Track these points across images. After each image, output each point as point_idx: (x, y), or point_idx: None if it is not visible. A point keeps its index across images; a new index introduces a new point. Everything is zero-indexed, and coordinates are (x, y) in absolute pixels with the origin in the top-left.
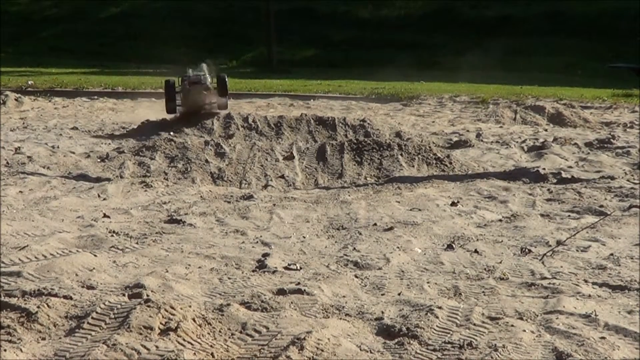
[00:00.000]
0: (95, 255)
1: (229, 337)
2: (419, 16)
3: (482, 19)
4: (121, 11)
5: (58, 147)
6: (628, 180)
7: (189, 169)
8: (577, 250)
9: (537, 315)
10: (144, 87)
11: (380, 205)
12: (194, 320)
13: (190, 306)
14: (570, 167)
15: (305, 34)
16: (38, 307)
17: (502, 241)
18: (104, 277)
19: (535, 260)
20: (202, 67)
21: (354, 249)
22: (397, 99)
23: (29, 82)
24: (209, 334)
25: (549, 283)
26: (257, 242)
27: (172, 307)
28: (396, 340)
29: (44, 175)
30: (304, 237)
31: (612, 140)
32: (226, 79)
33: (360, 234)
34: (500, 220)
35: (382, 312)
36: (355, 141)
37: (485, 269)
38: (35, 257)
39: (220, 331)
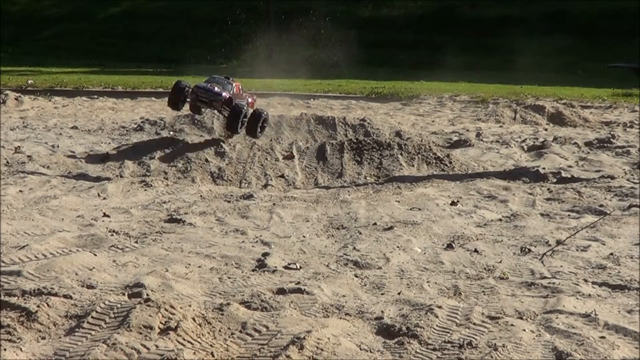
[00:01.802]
0: (95, 255)
1: (229, 337)
2: (419, 16)
3: (482, 19)
4: (121, 11)
5: (58, 146)
6: (628, 180)
7: (189, 169)
8: (577, 250)
9: (537, 315)
10: (144, 86)
11: (380, 205)
12: (193, 319)
13: (190, 305)
14: (570, 166)
15: (305, 34)
16: (38, 306)
17: (502, 241)
18: (103, 277)
19: (535, 260)
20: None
21: (354, 248)
22: (397, 98)
23: (29, 82)
24: (208, 333)
25: (549, 282)
26: (257, 241)
27: (172, 307)
28: (396, 339)
29: (44, 175)
30: (304, 237)
31: (612, 139)
32: (263, 116)
33: (360, 233)
34: (500, 220)
35: (382, 312)
36: (355, 140)
37: (485, 269)
38: (35, 257)
39: (220, 330)
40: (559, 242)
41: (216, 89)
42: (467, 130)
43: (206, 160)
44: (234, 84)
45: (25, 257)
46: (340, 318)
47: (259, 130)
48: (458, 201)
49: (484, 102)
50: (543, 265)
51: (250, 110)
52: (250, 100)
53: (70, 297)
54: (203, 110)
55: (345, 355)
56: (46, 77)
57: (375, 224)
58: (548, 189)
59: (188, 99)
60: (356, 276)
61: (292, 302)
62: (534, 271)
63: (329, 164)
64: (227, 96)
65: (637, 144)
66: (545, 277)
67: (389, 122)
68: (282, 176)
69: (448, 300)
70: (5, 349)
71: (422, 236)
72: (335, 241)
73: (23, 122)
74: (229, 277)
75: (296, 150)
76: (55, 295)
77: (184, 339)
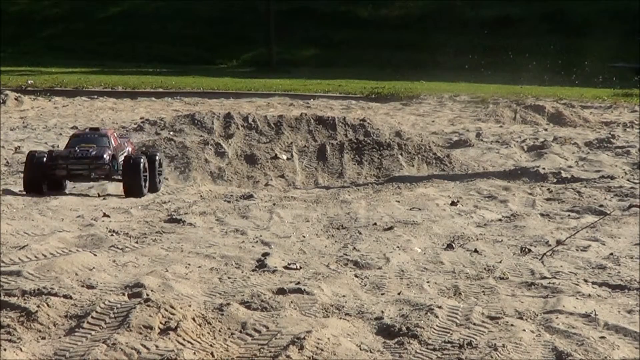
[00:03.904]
0: (95, 255)
1: (229, 337)
2: (419, 16)
3: (482, 19)
4: (121, 11)
5: (58, 146)
6: (628, 180)
7: (189, 169)
8: (576, 250)
9: (537, 315)
10: (143, 86)
11: (380, 205)
12: (193, 319)
13: (190, 305)
14: (570, 166)
15: (305, 34)
16: (38, 306)
17: (502, 241)
18: (103, 277)
19: (535, 260)
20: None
21: (354, 248)
22: (397, 98)
23: (29, 82)
24: (208, 333)
25: (549, 282)
26: (257, 241)
27: (172, 307)
28: (396, 339)
29: None
30: (304, 237)
31: (611, 139)
32: (157, 159)
33: (360, 233)
34: (500, 220)
35: (382, 312)
36: (355, 141)
37: (485, 269)
38: (35, 257)
39: (220, 331)
40: (559, 242)
41: (93, 151)
42: (467, 130)
43: (206, 160)
44: (109, 134)
45: (25, 257)
46: (340, 318)
47: (158, 179)
48: (458, 201)
49: (484, 102)
50: (543, 265)
51: (144, 159)
52: (130, 147)
53: (70, 297)
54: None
55: (345, 355)
56: (46, 77)
57: (375, 224)
58: (548, 189)
59: (53, 172)
60: (356, 276)
61: (292, 302)
62: (534, 271)
63: (329, 164)
64: (110, 154)
65: (637, 144)
66: (545, 277)
67: (389, 122)
68: (282, 176)
69: (448, 300)
70: (5, 349)
71: (422, 236)
72: (335, 241)
73: (23, 122)
74: (229, 277)
75: (296, 150)
76: (55, 295)
77: (184, 339)
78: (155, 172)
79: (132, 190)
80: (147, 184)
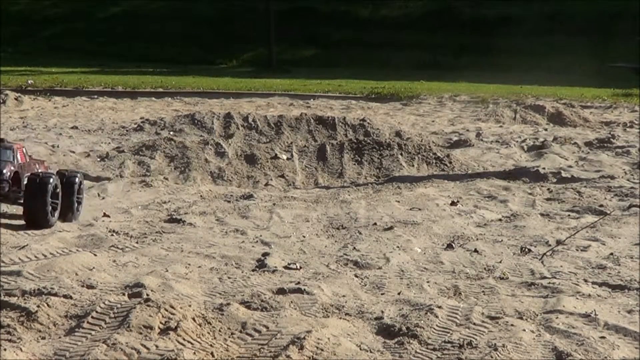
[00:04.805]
0: (95, 255)
1: (229, 337)
2: (419, 16)
3: (482, 19)
4: (121, 11)
5: (58, 146)
6: (628, 180)
7: (189, 169)
8: (576, 250)
9: (537, 315)
10: (144, 86)
11: (380, 205)
12: (193, 319)
13: (190, 305)
14: (570, 166)
15: (305, 34)
16: (38, 306)
17: (501, 241)
18: (103, 277)
19: (535, 260)
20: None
21: (354, 248)
22: (397, 98)
23: (29, 82)
24: (208, 333)
25: (549, 282)
26: (257, 241)
27: (172, 307)
28: (396, 339)
29: None
30: (304, 237)
31: (612, 139)
32: (76, 182)
33: (360, 233)
34: (500, 220)
35: (382, 312)
36: (355, 141)
37: (485, 269)
38: (35, 257)
39: (220, 330)
40: (559, 242)
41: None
42: (467, 130)
43: (206, 160)
44: (14, 148)
45: (25, 257)
46: (340, 318)
47: (76, 206)
48: (458, 201)
49: (484, 102)
50: (543, 265)
51: (54, 179)
52: (42, 169)
53: (70, 297)
54: None
55: (345, 355)
56: (46, 77)
57: (375, 224)
58: (548, 189)
59: None
60: (356, 276)
61: (292, 302)
62: (534, 271)
63: (329, 164)
64: (13, 170)
65: (637, 144)
66: (545, 277)
67: (388, 122)
68: (282, 176)
69: (448, 300)
70: (5, 349)
71: (422, 236)
72: (335, 241)
73: (23, 122)
74: (229, 277)
75: (296, 150)
76: (55, 295)
77: (184, 339)
78: (73, 196)
79: (34, 217)
80: (57, 211)
